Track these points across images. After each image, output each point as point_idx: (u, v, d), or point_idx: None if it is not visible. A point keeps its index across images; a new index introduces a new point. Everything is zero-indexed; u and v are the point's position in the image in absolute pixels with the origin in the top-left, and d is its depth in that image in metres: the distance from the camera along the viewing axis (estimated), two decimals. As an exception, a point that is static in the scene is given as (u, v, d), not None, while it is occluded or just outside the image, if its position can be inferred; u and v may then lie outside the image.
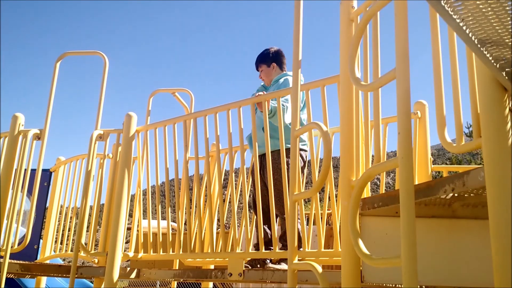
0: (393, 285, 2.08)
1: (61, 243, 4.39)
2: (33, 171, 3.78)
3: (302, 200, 2.59)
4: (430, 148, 3.48)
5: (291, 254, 2.00)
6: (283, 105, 3.28)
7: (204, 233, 3.48)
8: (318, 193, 2.47)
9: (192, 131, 3.38)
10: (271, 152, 3.25)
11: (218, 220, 3.63)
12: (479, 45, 1.26)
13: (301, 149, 3.44)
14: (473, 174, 1.49)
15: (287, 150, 3.13)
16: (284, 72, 3.80)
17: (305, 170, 3.45)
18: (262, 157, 3.37)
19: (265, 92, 3.38)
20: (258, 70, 3.91)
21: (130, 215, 3.79)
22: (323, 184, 2.08)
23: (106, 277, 3.21)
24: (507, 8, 1.10)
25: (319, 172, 2.27)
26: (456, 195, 1.65)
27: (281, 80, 3.61)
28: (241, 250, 3.11)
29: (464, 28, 1.19)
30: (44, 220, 4.56)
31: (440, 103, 1.69)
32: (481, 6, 1.10)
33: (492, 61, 1.32)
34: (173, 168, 3.42)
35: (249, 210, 3.15)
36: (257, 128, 3.42)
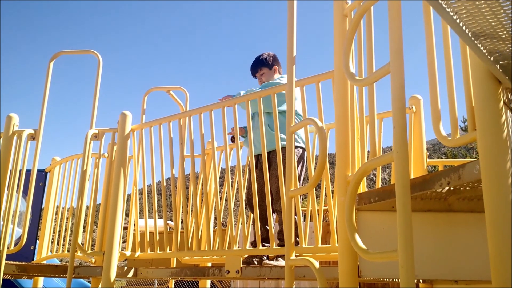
0: (390, 280, 2.08)
1: (58, 244, 4.37)
2: (28, 171, 3.77)
3: (299, 197, 2.59)
4: (425, 142, 3.48)
5: (288, 250, 2.00)
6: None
7: (201, 231, 3.48)
8: (314, 189, 2.47)
9: (188, 129, 3.37)
10: (272, 151, 3.26)
11: (215, 218, 3.63)
12: (473, 38, 1.26)
13: (297, 147, 3.45)
14: (468, 167, 1.50)
15: (284, 148, 3.13)
16: (284, 75, 3.81)
17: (305, 165, 3.45)
18: (260, 156, 3.38)
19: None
20: (255, 76, 3.90)
21: (127, 215, 3.79)
22: (319, 180, 2.09)
23: (103, 276, 3.21)
24: (501, 1, 1.10)
25: (315, 168, 2.27)
26: (451, 188, 1.65)
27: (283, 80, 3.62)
28: (238, 247, 3.11)
29: (458, 21, 1.19)
30: (40, 220, 4.54)
31: (435, 97, 1.70)
32: (474, -1, 1.10)
33: (486, 54, 1.33)
34: (169, 167, 3.42)
35: (245, 207, 3.15)
36: (255, 128, 3.43)
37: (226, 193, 3.61)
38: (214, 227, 3.62)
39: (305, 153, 3.49)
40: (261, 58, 3.86)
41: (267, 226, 3.36)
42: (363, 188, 2.10)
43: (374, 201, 1.89)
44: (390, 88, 1.43)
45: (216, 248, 3.23)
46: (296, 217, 2.77)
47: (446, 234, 1.96)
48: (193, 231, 3.45)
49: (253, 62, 3.91)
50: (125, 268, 3.50)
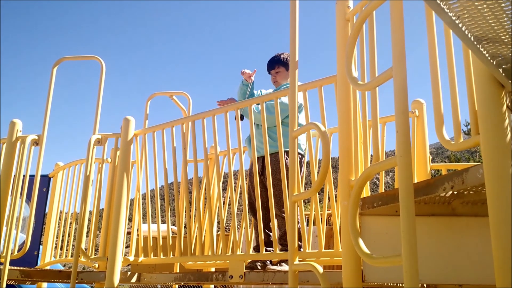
0: (394, 284, 2.08)
1: (61, 249, 4.38)
2: (32, 177, 3.78)
3: (302, 201, 2.58)
4: (428, 146, 3.48)
5: (292, 255, 2.00)
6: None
7: (204, 236, 3.48)
8: (317, 193, 2.47)
9: (190, 134, 3.38)
10: (272, 154, 3.25)
11: (218, 222, 3.63)
12: (475, 42, 1.26)
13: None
14: (472, 171, 1.50)
15: (286, 152, 3.13)
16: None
17: (303, 172, 3.45)
18: (263, 159, 3.38)
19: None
20: (270, 72, 3.85)
21: (130, 220, 3.79)
22: (322, 185, 2.08)
23: (106, 282, 3.20)
24: (503, 5, 1.10)
25: (318, 172, 2.27)
26: (455, 192, 1.65)
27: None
28: (241, 252, 3.11)
29: (460, 25, 1.20)
30: (44, 226, 4.55)
31: (437, 101, 1.69)
32: (476, 3, 1.11)
33: (489, 58, 1.33)
34: (172, 172, 3.42)
35: (248, 212, 3.15)
36: (256, 130, 3.43)
37: (229, 198, 3.61)
38: (217, 231, 3.62)
39: (303, 159, 3.48)
40: (281, 56, 3.81)
41: (268, 230, 3.36)
42: (366, 192, 2.10)
43: (378, 206, 1.89)
44: (392, 92, 1.43)
45: (220, 253, 3.23)
46: (299, 221, 2.77)
47: (450, 238, 1.95)
48: (196, 236, 3.44)
49: (272, 58, 3.85)
50: (129, 273, 3.50)
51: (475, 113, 1.49)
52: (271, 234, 3.28)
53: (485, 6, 1.11)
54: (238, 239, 3.16)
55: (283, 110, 3.32)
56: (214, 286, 4.44)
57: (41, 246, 4.54)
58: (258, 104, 3.36)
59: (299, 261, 2.09)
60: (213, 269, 3.90)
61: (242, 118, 3.51)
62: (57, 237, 4.52)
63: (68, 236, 4.34)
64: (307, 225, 3.92)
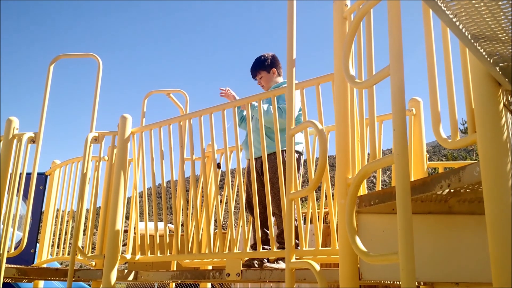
0: (391, 282, 2.08)
1: (58, 247, 4.37)
2: (28, 174, 3.77)
3: (299, 199, 2.59)
4: (425, 145, 3.48)
5: (289, 253, 2.00)
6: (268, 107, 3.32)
7: (201, 234, 3.48)
8: (314, 191, 2.47)
9: (188, 132, 3.37)
10: (269, 154, 3.26)
11: (215, 220, 3.63)
12: (472, 41, 1.26)
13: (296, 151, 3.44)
14: (468, 169, 1.50)
15: (284, 151, 3.13)
16: (284, 80, 3.78)
17: (301, 170, 3.45)
18: (260, 159, 3.38)
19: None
20: (255, 78, 3.84)
21: (127, 218, 3.78)
22: (319, 183, 2.08)
23: (103, 279, 3.20)
24: (500, 3, 1.10)
25: (315, 171, 2.27)
26: (452, 191, 1.65)
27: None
28: (238, 250, 3.11)
29: (457, 23, 1.19)
30: (41, 224, 4.54)
31: (434, 99, 1.70)
32: (473, 2, 1.11)
33: (486, 56, 1.33)
34: (169, 170, 3.42)
35: (245, 210, 3.15)
36: (254, 130, 3.42)
37: (226, 196, 3.61)
38: (215, 230, 3.61)
39: (301, 157, 3.48)
40: (259, 61, 3.80)
41: (265, 229, 3.36)
42: (363, 190, 2.10)
43: (375, 204, 1.89)
44: (390, 90, 1.43)
45: (217, 251, 3.23)
46: (296, 219, 2.77)
47: (447, 236, 1.96)
48: (193, 234, 3.44)
49: (252, 65, 3.86)
50: (126, 271, 3.49)
51: (472, 112, 1.49)
52: (269, 232, 3.29)
53: (482, 4, 1.11)
54: (235, 237, 3.16)
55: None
56: (211, 284, 4.45)
57: (37, 244, 4.53)
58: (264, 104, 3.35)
59: (296, 259, 2.09)
60: (210, 267, 3.90)
61: (218, 167, 3.50)
62: (53, 235, 4.51)
63: (65, 234, 4.34)
64: (304, 223, 3.92)
